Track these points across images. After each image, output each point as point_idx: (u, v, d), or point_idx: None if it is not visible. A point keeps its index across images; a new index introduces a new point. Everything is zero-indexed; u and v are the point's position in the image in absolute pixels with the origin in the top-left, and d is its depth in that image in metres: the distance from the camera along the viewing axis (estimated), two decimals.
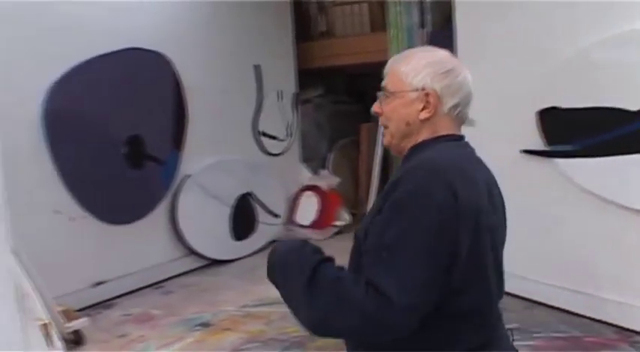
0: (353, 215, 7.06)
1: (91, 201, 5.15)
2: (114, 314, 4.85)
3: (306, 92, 7.37)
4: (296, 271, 1.60)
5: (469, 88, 1.76)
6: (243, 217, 6.34)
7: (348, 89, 8.05)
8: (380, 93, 1.81)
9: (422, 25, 6.11)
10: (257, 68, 6.48)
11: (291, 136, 7.07)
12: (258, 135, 6.66)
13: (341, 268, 1.63)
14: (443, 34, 5.31)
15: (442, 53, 1.79)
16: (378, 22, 6.59)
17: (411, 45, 6.20)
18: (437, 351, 1.59)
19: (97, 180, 5.17)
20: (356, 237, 1.72)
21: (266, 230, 6.52)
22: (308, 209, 6.98)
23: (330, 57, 6.92)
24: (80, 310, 4.66)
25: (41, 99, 4.78)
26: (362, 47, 6.56)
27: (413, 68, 1.73)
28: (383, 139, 1.83)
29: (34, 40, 4.65)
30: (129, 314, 4.80)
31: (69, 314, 4.27)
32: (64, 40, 4.85)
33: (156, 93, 5.56)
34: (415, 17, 6.11)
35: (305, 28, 7.17)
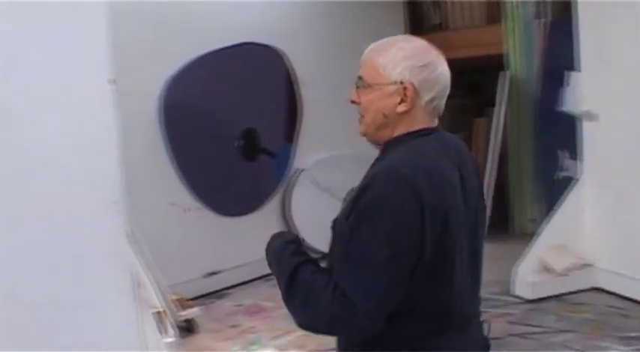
0: None
1: (205, 193, 5.28)
2: (226, 304, 4.94)
3: None
4: (279, 275, 1.68)
5: (446, 82, 1.77)
6: None
7: (462, 83, 7.83)
8: (357, 83, 1.78)
9: (538, 15, 5.87)
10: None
11: None
12: None
13: (318, 269, 1.66)
14: (562, 26, 5.08)
15: (420, 44, 1.77)
16: (494, 14, 6.39)
17: (528, 37, 5.99)
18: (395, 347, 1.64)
19: (211, 173, 5.28)
20: (332, 229, 1.73)
21: None
22: None
23: (444, 49, 6.69)
24: (193, 299, 4.77)
25: (158, 95, 4.93)
26: (476, 40, 6.37)
27: (391, 60, 1.71)
28: (359, 128, 1.81)
29: (150, 37, 4.79)
30: (240, 305, 4.88)
31: (182, 303, 4.38)
32: (179, 36, 4.98)
33: (269, 87, 5.62)
34: (532, 7, 5.87)
35: (418, 21, 7.05)
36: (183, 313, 4.29)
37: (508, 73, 6.22)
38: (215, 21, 5.21)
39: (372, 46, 1.78)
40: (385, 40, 1.78)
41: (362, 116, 1.78)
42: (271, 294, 5.08)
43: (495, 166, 6.40)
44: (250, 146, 5.52)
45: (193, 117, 5.11)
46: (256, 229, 5.63)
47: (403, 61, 1.70)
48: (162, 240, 4.77)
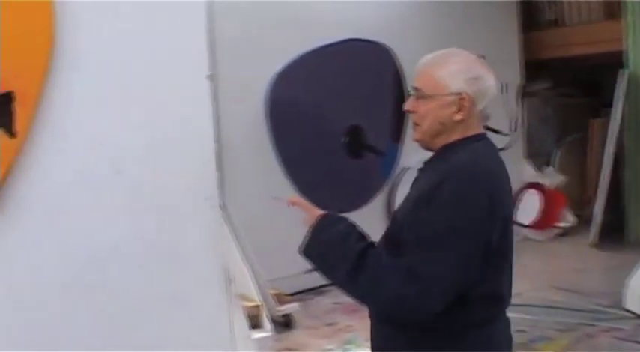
0: (578, 217, 6.61)
1: (309, 188, 5.29)
2: (325, 301, 4.94)
3: (532, 84, 7.01)
4: (341, 257, 1.78)
5: (494, 92, 1.92)
6: None
7: (578, 82, 7.53)
8: (412, 93, 1.92)
9: None
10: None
11: (515, 130, 6.77)
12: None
13: (385, 253, 1.79)
14: None
15: (472, 58, 1.93)
16: (612, 9, 6.08)
17: None
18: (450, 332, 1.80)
19: (315, 168, 5.29)
20: (394, 220, 1.88)
21: None
22: (529, 207, 6.65)
23: (559, 47, 6.52)
24: (292, 294, 4.80)
25: (264, 91, 4.98)
26: (594, 36, 6.10)
27: (449, 73, 1.86)
28: (413, 135, 1.95)
29: (256, 35, 4.85)
30: (339, 303, 4.85)
31: (281, 298, 4.41)
32: (285, 33, 5.02)
33: (376, 84, 5.58)
34: None
35: (532, 17, 6.83)
36: (282, 308, 4.32)
37: (627, 71, 5.91)
38: (321, 17, 5.22)
39: (427, 58, 1.93)
40: (439, 53, 1.94)
41: (417, 124, 1.92)
42: None
43: (610, 169, 6.10)
44: (356, 143, 5.50)
45: (298, 112, 5.14)
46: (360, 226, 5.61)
47: (460, 73, 1.86)
48: (264, 235, 4.84)
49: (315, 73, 5.16)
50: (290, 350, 4.08)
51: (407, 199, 1.92)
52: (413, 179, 1.97)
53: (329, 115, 5.27)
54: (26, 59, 1.98)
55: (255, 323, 4.03)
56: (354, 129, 5.45)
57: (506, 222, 1.83)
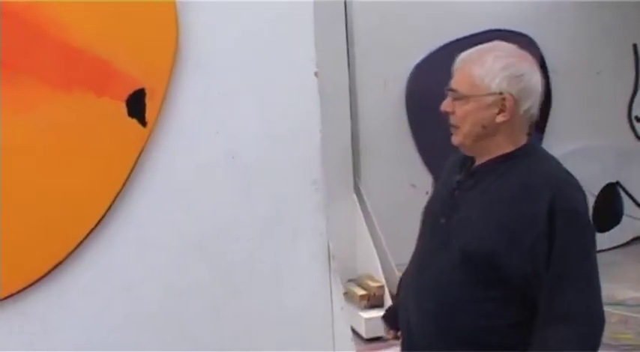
0: None
1: None
2: None
3: None
4: None
5: (539, 89, 1.76)
6: (606, 208, 5.98)
7: None
8: (451, 93, 1.82)
9: None
10: (636, 47, 6.00)
11: None
12: (634, 120, 6.18)
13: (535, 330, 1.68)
14: None
15: (515, 53, 1.76)
16: None
17: None
18: None
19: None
20: (482, 247, 1.69)
21: (631, 224, 6.05)
22: None
23: None
24: None
25: (404, 81, 5.14)
26: None
27: (488, 71, 1.70)
28: (453, 138, 1.83)
29: (395, 27, 5.01)
30: None
31: None
32: (428, 23, 5.13)
33: None
34: None
35: None
36: None
37: None
38: (464, 8, 5.27)
39: (464, 55, 1.81)
40: (477, 48, 1.79)
41: (457, 127, 1.80)
42: None
43: None
44: None
45: (438, 104, 5.23)
46: None
47: (501, 71, 1.70)
48: (399, 221, 5.01)
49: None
50: None
51: (472, 209, 1.73)
52: (450, 181, 1.85)
53: None
54: (155, 59, 2.31)
55: (379, 303, 4.24)
56: None
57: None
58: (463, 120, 1.78)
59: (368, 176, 4.98)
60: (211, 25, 2.36)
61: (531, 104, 1.74)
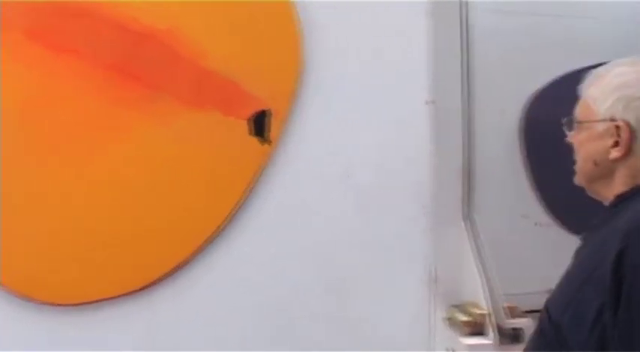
0: None
1: (559, 209, 5.28)
2: None
3: None
4: None
5: None
6: None
7: None
8: (571, 119, 1.42)
9: None
10: None
11: None
12: None
13: None
14: None
15: None
16: None
17: None
18: None
19: (568, 190, 5.25)
20: (550, 319, 1.34)
21: None
22: None
23: None
24: (529, 311, 4.84)
25: (520, 109, 5.10)
26: None
27: (603, 90, 1.37)
28: (574, 177, 1.45)
29: (516, 55, 4.98)
30: None
31: (514, 312, 4.49)
32: (553, 51, 5.07)
33: None
34: None
35: None
36: (513, 321, 4.43)
37: None
38: (585, 38, 5.18)
39: (596, 70, 1.43)
40: (611, 63, 1.43)
41: (575, 161, 1.45)
42: None
43: None
44: None
45: (555, 133, 5.14)
46: None
47: (617, 89, 1.36)
48: (508, 250, 4.95)
49: (575, 95, 5.15)
50: None
51: (566, 280, 1.37)
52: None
53: None
54: (280, 83, 2.47)
55: (479, 331, 4.21)
56: None
57: None
58: (577, 152, 1.45)
59: (478, 201, 4.97)
60: (333, 51, 2.50)
61: None
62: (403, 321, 2.55)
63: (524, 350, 1.50)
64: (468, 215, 4.78)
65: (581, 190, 5.59)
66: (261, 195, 2.47)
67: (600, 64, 5.11)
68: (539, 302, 5.22)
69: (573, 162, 1.50)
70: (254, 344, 2.43)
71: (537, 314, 4.99)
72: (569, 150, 5.55)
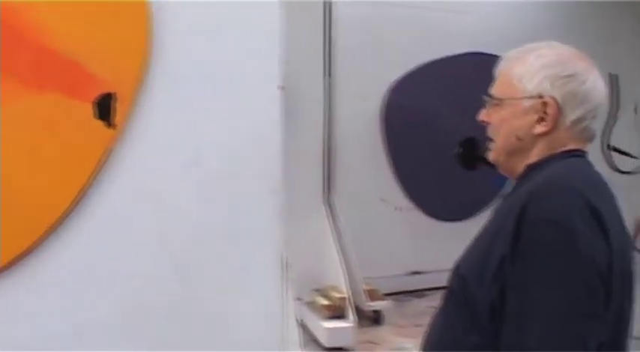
0: None
1: (419, 194, 5.49)
2: (421, 304, 5.13)
3: None
4: None
5: (599, 98, 1.42)
6: None
7: None
8: (487, 99, 1.51)
9: None
10: (613, 77, 6.13)
11: None
12: (608, 149, 6.31)
13: None
14: None
15: (567, 51, 1.44)
16: None
17: None
18: None
19: (427, 175, 5.49)
20: (459, 277, 1.42)
21: None
22: None
23: None
24: (390, 294, 5.02)
25: (381, 96, 5.25)
26: None
27: (528, 70, 1.40)
28: (489, 154, 1.52)
29: (378, 42, 5.12)
30: (434, 307, 5.02)
31: (373, 295, 4.66)
32: (411, 40, 5.25)
33: None
34: None
35: None
36: (372, 304, 4.57)
37: None
38: (445, 28, 5.39)
39: (510, 53, 1.49)
40: (525, 46, 1.48)
41: (492, 139, 1.50)
42: None
43: None
44: (470, 154, 5.62)
45: (414, 120, 5.36)
46: (466, 236, 5.70)
47: (542, 69, 1.39)
48: (369, 234, 5.10)
49: (434, 83, 5.35)
50: (370, 343, 4.32)
51: (475, 241, 1.45)
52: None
53: (444, 126, 5.45)
54: (126, 65, 2.38)
55: (340, 314, 4.32)
56: (469, 141, 5.57)
57: (625, 281, 1.32)
58: (496, 130, 1.48)
59: (339, 186, 5.07)
60: (183, 34, 2.43)
61: (584, 114, 1.39)
62: (257, 309, 2.54)
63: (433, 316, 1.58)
64: (327, 199, 4.89)
65: (438, 178, 5.85)
66: (107, 181, 2.38)
67: (455, 57, 5.30)
68: (399, 285, 5.45)
69: (486, 140, 1.53)
70: (92, 340, 2.35)
71: (402, 297, 5.17)
72: (427, 137, 5.80)
